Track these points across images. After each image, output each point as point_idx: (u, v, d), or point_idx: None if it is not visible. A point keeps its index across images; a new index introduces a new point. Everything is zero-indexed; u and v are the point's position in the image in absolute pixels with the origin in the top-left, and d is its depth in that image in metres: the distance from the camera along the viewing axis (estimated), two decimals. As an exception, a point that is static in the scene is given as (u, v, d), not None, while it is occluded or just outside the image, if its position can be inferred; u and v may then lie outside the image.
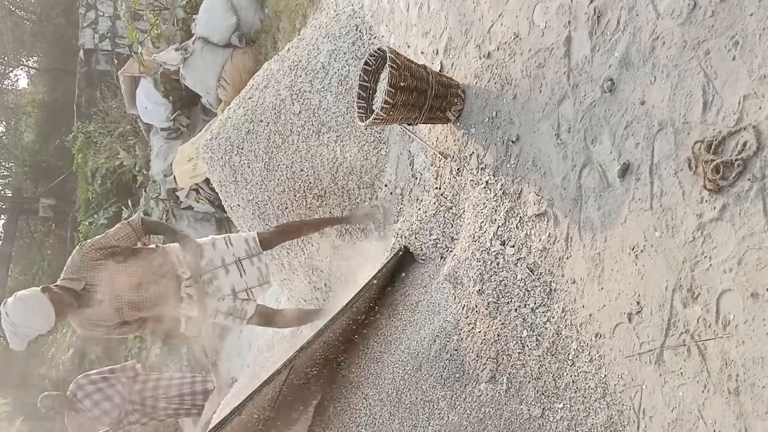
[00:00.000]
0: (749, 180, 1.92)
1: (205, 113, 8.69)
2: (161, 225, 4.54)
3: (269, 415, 3.22)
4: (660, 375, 2.23)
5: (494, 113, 3.17)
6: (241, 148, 4.94)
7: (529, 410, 2.68)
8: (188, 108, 8.96)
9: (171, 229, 4.05)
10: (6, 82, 24.73)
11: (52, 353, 13.07)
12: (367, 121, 3.28)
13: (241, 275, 4.14)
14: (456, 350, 3.04)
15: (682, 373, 2.14)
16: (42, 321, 3.50)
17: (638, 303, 2.32)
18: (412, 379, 3.12)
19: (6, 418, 13.62)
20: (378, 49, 3.30)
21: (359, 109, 3.44)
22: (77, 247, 3.78)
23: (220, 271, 4.04)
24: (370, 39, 4.37)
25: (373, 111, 3.29)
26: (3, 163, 25.12)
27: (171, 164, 8.37)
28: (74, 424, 6.12)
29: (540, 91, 2.86)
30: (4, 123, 24.84)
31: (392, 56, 3.12)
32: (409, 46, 3.96)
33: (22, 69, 24.60)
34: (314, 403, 3.81)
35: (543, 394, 2.66)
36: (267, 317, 4.44)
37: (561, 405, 2.59)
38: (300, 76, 4.61)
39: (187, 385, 6.83)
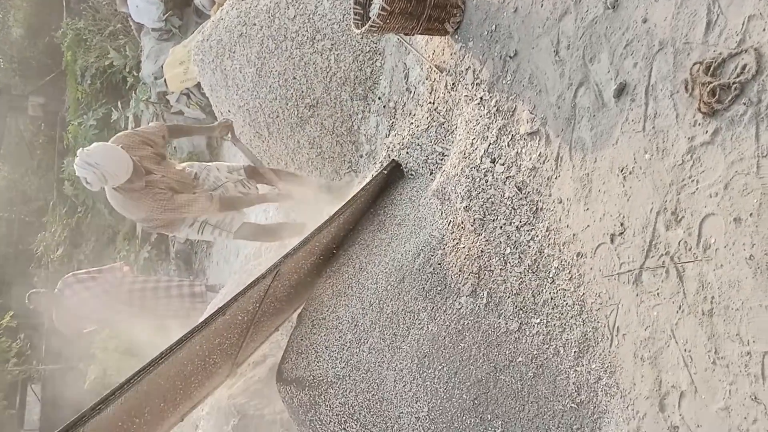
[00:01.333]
0: (744, 104, 1.90)
1: (198, 15, 8.43)
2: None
3: (253, 317, 3.28)
4: (637, 295, 2.27)
5: (494, 27, 3.09)
6: (233, 52, 4.82)
7: (506, 324, 2.74)
8: (180, 9, 8.68)
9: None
10: (-8, -24, 23.78)
11: (41, 251, 13.18)
12: (363, 29, 3.19)
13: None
14: (439, 264, 3.07)
15: (658, 293, 2.18)
16: (122, 167, 3.68)
17: (622, 224, 2.33)
18: (395, 290, 3.16)
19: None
20: (378, -48, 3.17)
21: (355, 15, 3.34)
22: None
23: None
24: (370, -57, 4.19)
25: (370, 18, 3.20)
26: (-9, 59, 24.49)
27: (162, 67, 8.18)
28: (62, 321, 6.21)
29: (542, 5, 2.78)
30: (-9, 17, 24.03)
31: (392, -39, 3.00)
32: (410, -47, 3.80)
33: (9, -40, 23.59)
34: (298, 309, 3.88)
35: (521, 309, 2.71)
36: (254, 231, 4.50)
37: (538, 320, 2.64)
38: (296, -22, 4.45)
39: (174, 288, 6.90)
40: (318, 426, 3.23)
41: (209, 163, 4.61)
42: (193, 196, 4.08)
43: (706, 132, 2.01)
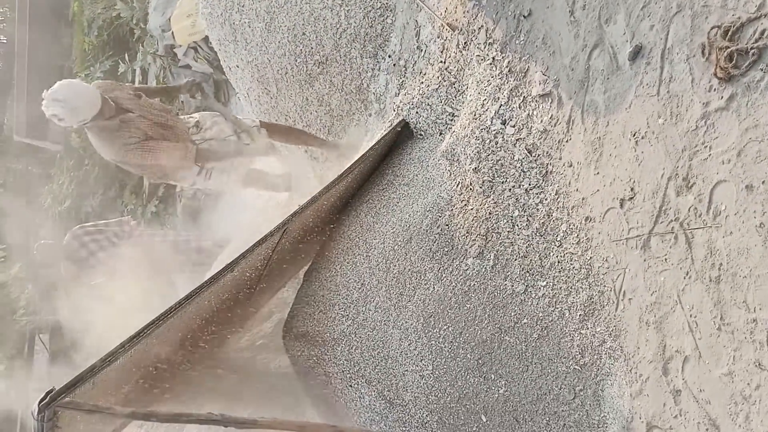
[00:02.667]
0: (762, 70, 1.87)
1: (207, -34, 8.28)
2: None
3: (261, 274, 3.30)
4: (644, 260, 2.27)
5: (508, -16, 3.03)
6: (242, 6, 4.75)
7: (512, 286, 2.76)
8: (189, -41, 8.53)
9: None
10: None
11: (48, 203, 13.23)
12: (375, -15, 3.14)
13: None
14: (447, 225, 3.08)
15: (666, 259, 2.19)
16: (89, 99, 3.62)
17: (632, 189, 2.32)
18: (402, 250, 3.17)
19: (3, 264, 13.97)
20: None
21: (367, -30, 3.28)
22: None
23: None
24: None
25: (382, -26, 3.14)
26: (-3, 7, 24.22)
27: (169, 19, 8.08)
28: (70, 273, 6.26)
29: (558, -37, 2.72)
30: (-5, -36, 23.70)
31: None
32: None
33: None
34: (305, 267, 3.91)
35: (528, 272, 2.72)
36: (260, 178, 4.49)
37: (544, 283, 2.66)
38: (307, -69, 4.36)
39: (181, 242, 6.94)
40: (324, 381, 3.29)
41: (218, 114, 4.53)
42: (165, 144, 3.96)
43: (722, 97, 1.99)
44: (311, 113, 4.82)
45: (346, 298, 3.27)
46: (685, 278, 2.11)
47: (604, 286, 2.45)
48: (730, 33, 1.96)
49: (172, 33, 7.88)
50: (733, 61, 1.94)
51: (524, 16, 2.93)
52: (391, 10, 4.14)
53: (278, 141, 4.75)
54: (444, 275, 2.99)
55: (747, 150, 1.90)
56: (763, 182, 1.85)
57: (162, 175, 4.18)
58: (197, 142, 4.22)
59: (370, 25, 4.21)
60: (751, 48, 1.88)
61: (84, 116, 3.64)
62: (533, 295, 2.68)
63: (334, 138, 4.72)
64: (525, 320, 2.68)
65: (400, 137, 3.74)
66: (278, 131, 4.63)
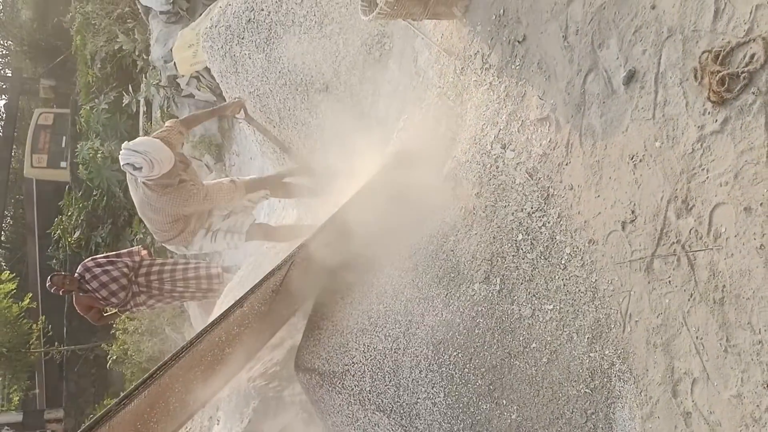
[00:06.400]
0: (753, 93, 1.89)
1: (205, -3, 8.40)
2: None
3: (270, 306, 3.33)
4: (648, 282, 2.29)
5: (501, 11, 3.07)
6: (242, 38, 4.82)
7: (519, 310, 2.77)
8: (188, -9, 8.66)
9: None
10: (1, -41, 23.72)
11: (58, 234, 13.33)
12: (371, 15, 3.19)
13: None
14: (452, 251, 3.10)
15: (670, 281, 2.20)
16: (166, 157, 3.95)
17: (633, 212, 2.34)
18: (409, 277, 3.19)
19: (15, 295, 14.07)
20: (383, -62, 3.15)
21: (363, 2, 3.33)
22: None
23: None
24: (375, -76, 4.15)
25: (377, 4, 3.19)
26: (1, 42, 24.56)
27: (171, 50, 8.18)
28: (82, 304, 6.31)
29: (550, -11, 2.76)
30: (0, 0, 24.07)
31: (398, -53, 2.98)
32: (416, -66, 3.77)
33: (16, -58, 23.49)
34: (314, 294, 3.93)
35: (534, 295, 2.74)
36: (265, 231, 4.63)
37: (551, 306, 2.67)
38: (303, -38, 4.43)
39: (191, 269, 6.97)
40: (337, 410, 3.30)
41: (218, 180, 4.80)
42: (219, 183, 4.38)
43: (716, 121, 2.01)
44: (314, 140, 4.87)
45: (355, 327, 3.29)
46: (689, 300, 2.12)
47: (611, 308, 2.46)
48: (720, 57, 1.98)
49: (175, 63, 7.97)
50: (725, 85, 1.96)
51: (519, 42, 2.97)
52: (388, 37, 4.19)
53: (281, 196, 4.98)
54: (451, 301, 3.00)
55: (743, 172, 1.92)
56: (761, 204, 1.87)
57: (177, 234, 4.37)
58: None
59: (368, 51, 4.27)
60: (742, 72, 1.91)
61: (159, 170, 3.93)
62: (541, 319, 2.70)
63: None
64: (534, 344, 2.69)
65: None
66: (281, 188, 4.84)
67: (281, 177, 4.84)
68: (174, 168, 4.04)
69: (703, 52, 2.05)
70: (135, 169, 3.91)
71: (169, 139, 4.18)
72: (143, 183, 4.08)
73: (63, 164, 15.20)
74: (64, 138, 16.00)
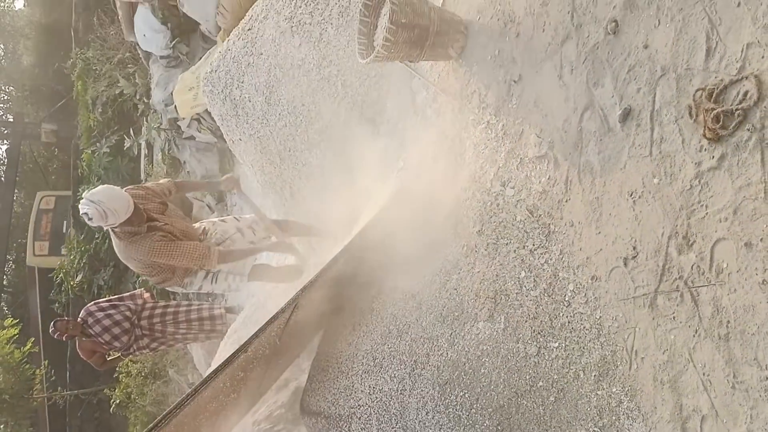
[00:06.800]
0: (748, 130, 1.92)
1: (205, 41, 8.53)
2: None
3: (274, 349, 3.32)
4: (653, 319, 2.28)
5: (497, 51, 3.12)
6: (242, 82, 4.88)
7: (525, 348, 2.76)
8: (187, 35, 8.78)
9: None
10: (2, 5, 24.12)
11: (61, 278, 13.31)
12: (369, 59, 3.23)
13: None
14: (455, 289, 3.10)
15: (674, 317, 2.20)
16: (123, 207, 3.81)
17: (634, 248, 2.35)
18: (413, 316, 3.19)
19: (17, 340, 13.99)
20: (379, -17, 3.22)
21: (360, 45, 3.38)
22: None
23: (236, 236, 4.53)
24: (371, -32, 4.24)
25: (374, 48, 3.24)
26: (3, 87, 24.86)
27: (171, 93, 8.28)
28: (85, 349, 6.28)
29: (543, 30, 2.81)
30: (2, 46, 24.41)
31: (393, -8, 3.04)
32: (410, -22, 3.84)
33: (17, -10, 23.96)
34: (318, 334, 3.92)
35: (539, 333, 2.73)
36: (266, 272, 4.59)
37: (556, 344, 2.66)
38: (300, 7, 4.51)
39: (194, 311, 6.96)
40: (344, 454, 3.27)
41: (219, 219, 4.75)
42: (192, 243, 4.13)
43: (713, 157, 2.03)
44: (315, 180, 4.90)
45: (361, 369, 3.27)
46: (694, 336, 2.12)
47: (616, 345, 2.45)
48: (714, 95, 2.01)
49: (175, 106, 8.06)
50: (720, 122, 1.98)
51: (515, 81, 3.01)
52: (386, 77, 4.25)
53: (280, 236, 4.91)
54: (456, 340, 3.00)
55: (742, 208, 1.94)
56: (761, 240, 1.88)
57: (168, 278, 4.29)
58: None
59: (366, 92, 4.32)
60: (736, 109, 1.93)
61: (112, 221, 3.82)
62: (546, 357, 2.69)
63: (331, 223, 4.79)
64: (540, 383, 2.68)
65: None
66: (282, 227, 4.76)
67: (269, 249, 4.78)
68: (136, 216, 3.90)
69: (697, 90, 2.08)
70: (88, 219, 3.82)
71: (154, 190, 4.17)
72: (111, 230, 4.01)
73: (64, 251, 15.11)
74: (65, 223, 15.99)
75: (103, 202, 3.76)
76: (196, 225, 4.52)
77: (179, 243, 4.06)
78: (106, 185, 3.98)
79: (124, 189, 4.10)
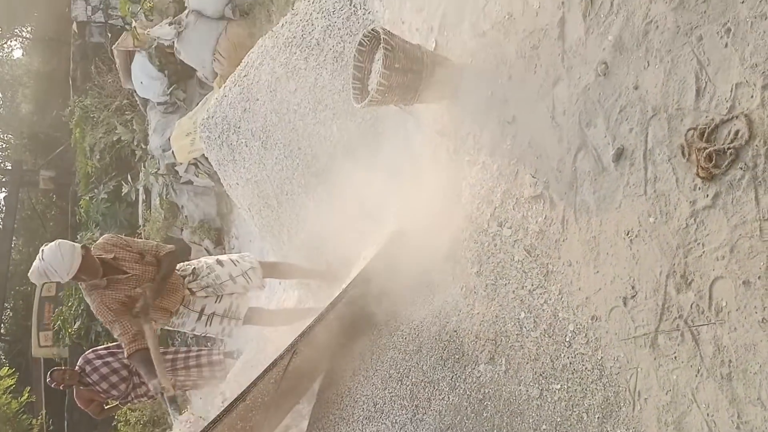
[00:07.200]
0: (741, 169, 1.93)
1: (201, 87, 8.62)
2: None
3: (273, 397, 3.28)
4: (655, 358, 2.27)
5: (490, 93, 3.16)
6: (238, 127, 4.93)
7: (527, 391, 2.73)
8: (184, 81, 8.88)
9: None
10: (0, 54, 24.47)
11: (59, 325, 13.20)
12: (363, 103, 3.27)
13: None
14: (455, 331, 3.08)
15: (675, 357, 2.18)
16: (64, 267, 3.71)
17: (633, 287, 2.34)
18: (413, 360, 3.17)
19: (14, 390, 13.81)
20: (372, 29, 3.27)
21: (355, 90, 3.42)
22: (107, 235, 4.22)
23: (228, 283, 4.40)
24: (364, 14, 4.32)
25: (369, 92, 3.28)
26: (2, 135, 25.06)
27: (169, 139, 8.34)
28: (82, 398, 6.21)
29: (535, 72, 2.84)
30: (0, 95, 24.69)
31: (386, 38, 3.09)
32: (403, 22, 3.91)
33: (16, 40, 24.30)
34: (318, 380, 3.88)
35: (541, 375, 2.71)
36: (261, 315, 4.54)
37: (558, 386, 2.63)
38: (295, 53, 4.57)
39: (192, 358, 6.90)
40: (346, 503, 3.21)
41: (215, 259, 4.57)
42: (123, 324, 3.91)
43: (707, 196, 2.04)
44: (313, 224, 4.91)
45: (362, 415, 3.23)
46: (697, 376, 2.10)
47: (619, 386, 2.43)
48: (706, 134, 2.02)
49: (173, 152, 8.11)
50: (713, 161, 2.00)
51: (508, 122, 3.04)
52: (381, 120, 4.29)
53: (276, 278, 4.87)
54: (458, 383, 2.97)
55: (739, 246, 1.94)
56: (759, 278, 1.87)
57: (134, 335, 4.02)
58: (194, 289, 4.30)
59: (362, 135, 4.36)
60: (728, 148, 1.95)
61: (60, 278, 3.75)
62: (549, 399, 2.65)
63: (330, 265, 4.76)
64: (544, 426, 2.64)
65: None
66: (276, 270, 4.73)
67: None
68: (86, 273, 3.80)
69: (689, 130, 2.10)
70: (30, 272, 3.81)
71: (133, 241, 4.13)
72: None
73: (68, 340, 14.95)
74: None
75: (43, 261, 3.73)
76: (189, 263, 4.45)
77: (117, 316, 3.91)
78: (59, 241, 3.85)
79: (102, 237, 4.12)
